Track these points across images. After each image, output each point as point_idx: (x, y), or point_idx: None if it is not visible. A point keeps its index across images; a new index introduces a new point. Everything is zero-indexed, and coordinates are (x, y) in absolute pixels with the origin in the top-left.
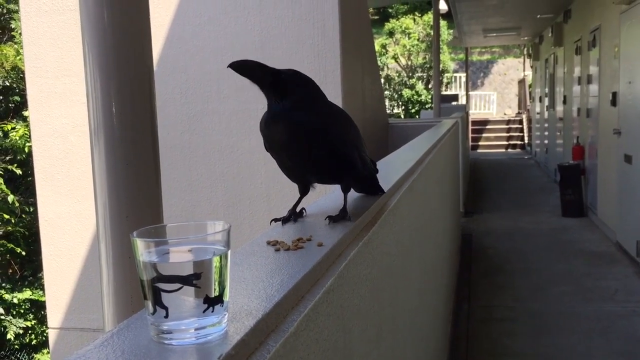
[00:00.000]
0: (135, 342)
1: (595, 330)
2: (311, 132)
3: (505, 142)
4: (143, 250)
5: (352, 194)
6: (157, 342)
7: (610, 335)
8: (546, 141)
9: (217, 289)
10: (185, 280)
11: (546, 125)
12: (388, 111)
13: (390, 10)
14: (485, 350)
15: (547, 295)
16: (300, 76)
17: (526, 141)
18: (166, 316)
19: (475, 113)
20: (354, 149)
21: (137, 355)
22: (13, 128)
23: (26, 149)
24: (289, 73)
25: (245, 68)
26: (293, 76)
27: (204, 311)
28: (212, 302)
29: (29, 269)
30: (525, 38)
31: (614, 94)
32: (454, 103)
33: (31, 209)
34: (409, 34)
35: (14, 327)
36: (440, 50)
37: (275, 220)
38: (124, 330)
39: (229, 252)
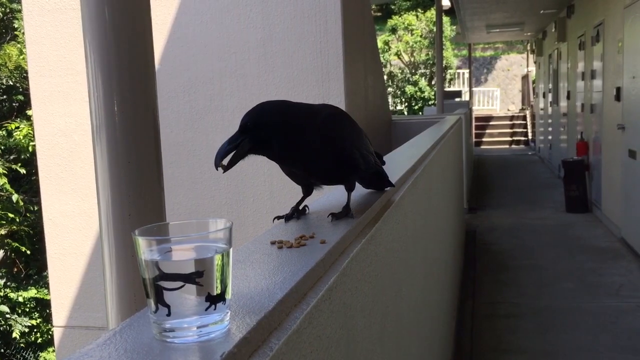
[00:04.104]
0: (138, 341)
1: (599, 326)
2: (310, 151)
3: (509, 138)
4: (145, 249)
5: (356, 190)
6: (159, 340)
7: (615, 330)
8: (550, 137)
9: (219, 287)
10: (187, 279)
11: (550, 121)
12: (391, 108)
13: (392, 7)
14: (490, 346)
15: (551, 291)
16: (268, 110)
17: (530, 137)
18: (168, 314)
19: (478, 109)
20: (354, 150)
21: (139, 354)
22: (17, 127)
23: (30, 148)
24: (252, 117)
25: (232, 162)
26: (259, 116)
27: (206, 309)
28: (215, 300)
29: (34, 268)
30: (529, 34)
31: (618, 89)
32: (457, 99)
33: (35, 208)
34: (412, 30)
35: (20, 325)
36: (443, 47)
37: (278, 217)
38: (127, 328)
39: (231, 249)
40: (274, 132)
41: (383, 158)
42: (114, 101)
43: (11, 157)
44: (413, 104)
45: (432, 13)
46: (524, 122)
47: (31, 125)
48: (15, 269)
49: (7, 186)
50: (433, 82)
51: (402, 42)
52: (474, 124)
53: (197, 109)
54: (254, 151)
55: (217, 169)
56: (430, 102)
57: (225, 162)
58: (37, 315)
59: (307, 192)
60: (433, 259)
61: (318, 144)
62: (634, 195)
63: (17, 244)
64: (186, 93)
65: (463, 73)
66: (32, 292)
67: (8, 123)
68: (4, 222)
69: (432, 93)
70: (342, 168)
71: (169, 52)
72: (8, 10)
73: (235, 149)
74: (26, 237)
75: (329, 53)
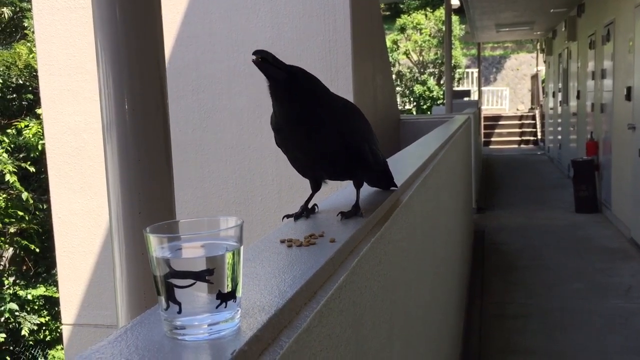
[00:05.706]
0: (149, 338)
1: (608, 327)
2: (325, 128)
3: (518, 138)
4: (156, 246)
5: (365, 190)
6: (170, 337)
7: (624, 332)
8: (559, 137)
9: (230, 285)
10: (198, 276)
11: (559, 120)
12: (400, 107)
13: (401, 6)
14: (498, 347)
15: (560, 292)
16: (306, 73)
17: (539, 137)
18: (179, 312)
19: (487, 109)
20: (363, 142)
21: (150, 351)
22: (26, 126)
23: (39, 147)
24: (299, 70)
25: (263, 68)
26: (301, 73)
27: (217, 307)
28: (225, 297)
29: (43, 266)
30: (539, 33)
31: (629, 89)
32: (466, 99)
33: (45, 206)
34: (421, 29)
35: (29, 323)
36: (452, 46)
37: (288, 216)
38: (137, 326)
39: (242, 248)
40: (300, 91)
41: (387, 160)
42: (125, 99)
43: (21, 156)
44: (422, 104)
45: (441, 12)
46: (533, 121)
47: (40, 123)
48: (25, 267)
49: (17, 184)
50: (442, 82)
51: (410, 41)
52: (482, 123)
53: (206, 108)
54: (275, 90)
55: (253, 54)
56: (438, 102)
57: (262, 57)
58: (45, 313)
59: (315, 188)
60: (441, 259)
61: (327, 129)
62: None
63: (26, 242)
64: (194, 92)
65: (472, 72)
66: (41, 290)
67: (18, 121)
68: (14, 220)
69: (441, 92)
70: (350, 160)
71: (178, 51)
72: (18, 9)
73: (275, 66)
74: (35, 235)
75: (337, 52)
